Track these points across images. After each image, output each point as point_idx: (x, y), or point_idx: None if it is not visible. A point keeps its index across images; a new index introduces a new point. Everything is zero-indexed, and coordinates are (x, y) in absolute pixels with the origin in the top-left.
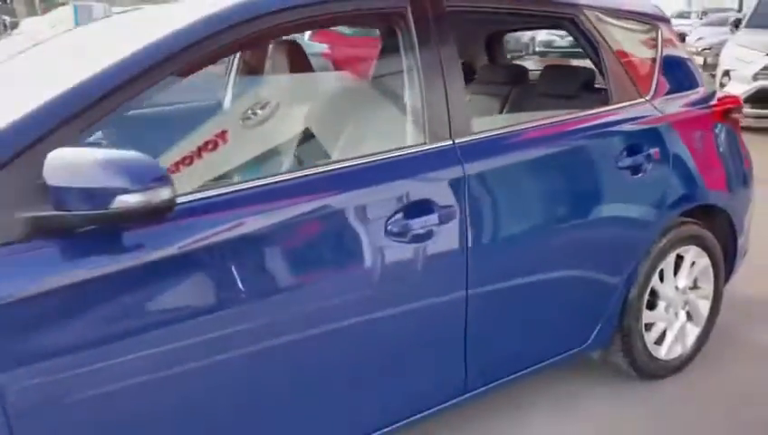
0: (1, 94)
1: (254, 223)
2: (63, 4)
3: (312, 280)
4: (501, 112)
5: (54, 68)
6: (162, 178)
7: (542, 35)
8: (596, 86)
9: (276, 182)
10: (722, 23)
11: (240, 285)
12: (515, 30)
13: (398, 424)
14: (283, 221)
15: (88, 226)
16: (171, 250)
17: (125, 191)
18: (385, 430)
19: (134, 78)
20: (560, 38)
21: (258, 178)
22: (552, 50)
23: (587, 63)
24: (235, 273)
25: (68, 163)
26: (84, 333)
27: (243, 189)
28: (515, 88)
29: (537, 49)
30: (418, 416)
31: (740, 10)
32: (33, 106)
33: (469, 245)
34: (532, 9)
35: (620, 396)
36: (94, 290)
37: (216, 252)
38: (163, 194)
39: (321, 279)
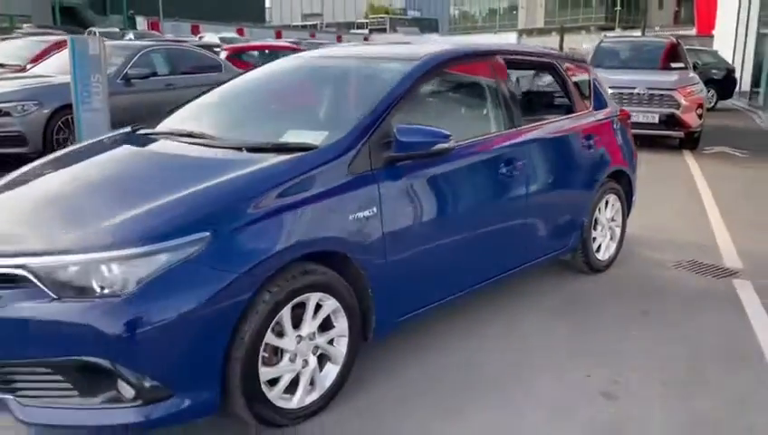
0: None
1: (474, 157)
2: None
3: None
4: None
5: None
6: (448, 137)
7: None
8: (556, 103)
9: (486, 140)
10: None
11: (467, 187)
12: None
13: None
14: (483, 157)
15: (413, 159)
16: (450, 167)
17: (435, 143)
18: (507, 273)
19: (398, 97)
20: None
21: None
22: None
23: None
24: (465, 179)
25: (406, 130)
26: (412, 213)
27: (469, 143)
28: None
29: None
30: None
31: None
32: (376, 104)
33: (528, 184)
34: (535, 60)
35: (573, 281)
36: (417, 189)
37: (461, 169)
38: (450, 143)
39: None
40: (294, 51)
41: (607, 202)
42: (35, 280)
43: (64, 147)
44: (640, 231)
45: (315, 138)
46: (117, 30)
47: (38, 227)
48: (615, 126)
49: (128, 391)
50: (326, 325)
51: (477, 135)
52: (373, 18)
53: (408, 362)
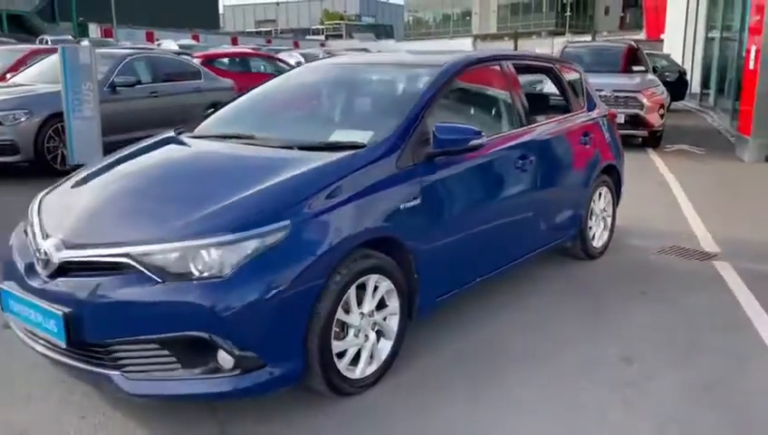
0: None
1: (495, 152)
2: None
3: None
4: None
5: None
6: (480, 134)
7: None
8: (556, 103)
9: (503, 136)
10: None
11: (491, 179)
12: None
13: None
14: (507, 150)
15: (449, 155)
16: (481, 160)
17: (470, 139)
18: (527, 256)
19: (430, 100)
20: None
21: (498, 134)
22: None
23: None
24: (489, 172)
25: (444, 128)
26: (447, 203)
27: (495, 138)
28: None
29: None
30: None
31: None
32: (413, 107)
33: (539, 177)
34: (537, 64)
35: (573, 267)
36: (451, 181)
37: (486, 163)
38: (482, 140)
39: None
40: (266, 58)
41: (600, 194)
42: (140, 267)
43: (56, 155)
44: (623, 222)
45: (362, 137)
46: (70, 37)
47: (135, 219)
48: (605, 125)
49: (227, 362)
50: (380, 305)
51: (496, 133)
52: (329, 24)
53: (441, 340)
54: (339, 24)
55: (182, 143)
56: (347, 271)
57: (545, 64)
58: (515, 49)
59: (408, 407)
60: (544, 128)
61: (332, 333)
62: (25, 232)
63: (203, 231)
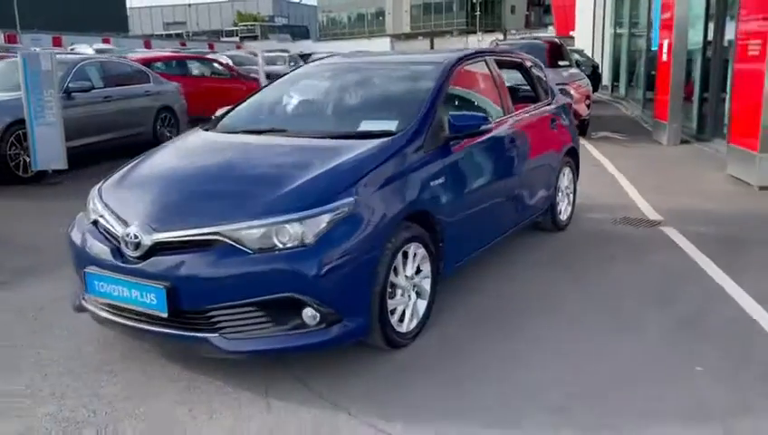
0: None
1: (495, 135)
2: None
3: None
4: None
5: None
6: (488, 120)
7: None
8: (528, 94)
9: (496, 122)
10: None
11: (492, 159)
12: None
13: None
14: (501, 134)
15: (463, 138)
16: (482, 144)
17: (481, 125)
18: (514, 228)
19: (439, 90)
20: None
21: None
22: None
23: None
24: (490, 153)
25: (459, 116)
26: (462, 180)
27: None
28: None
29: None
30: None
31: None
32: (428, 97)
33: (524, 157)
34: (511, 59)
35: (546, 238)
36: (462, 162)
37: (487, 146)
38: (491, 125)
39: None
40: (203, 61)
41: (564, 173)
42: (232, 242)
43: (18, 163)
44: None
45: (389, 126)
46: None
47: (217, 202)
48: (565, 112)
49: (312, 319)
50: (417, 270)
51: (492, 118)
52: (243, 26)
53: (455, 301)
54: (253, 25)
55: (220, 137)
56: (395, 239)
57: (516, 60)
58: (431, 48)
59: (443, 352)
60: (525, 115)
61: (387, 292)
62: (94, 223)
63: (286, 209)
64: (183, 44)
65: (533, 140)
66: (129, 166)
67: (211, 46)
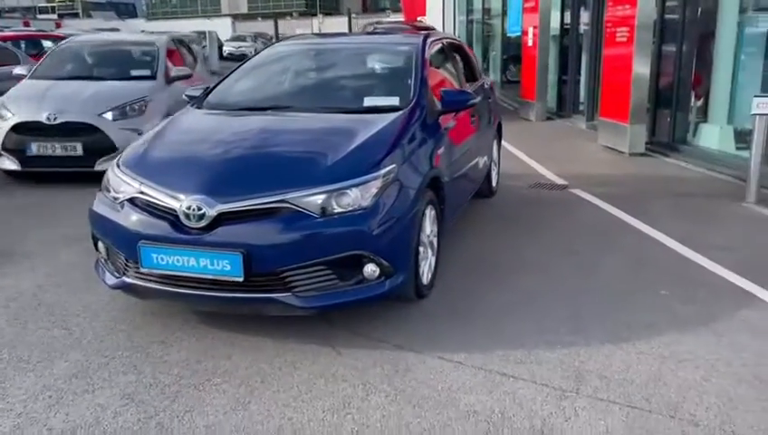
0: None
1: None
2: None
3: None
4: None
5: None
6: (474, 96)
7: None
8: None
9: None
10: None
11: (463, 131)
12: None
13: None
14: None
15: (453, 111)
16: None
17: (469, 100)
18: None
19: (423, 68)
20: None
21: None
22: None
23: None
24: (463, 126)
25: (450, 92)
26: (451, 148)
27: None
28: None
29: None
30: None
31: None
32: (417, 75)
33: (481, 129)
34: (453, 42)
35: (486, 204)
36: (450, 130)
37: (461, 119)
38: (478, 100)
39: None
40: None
41: (494, 144)
42: (298, 208)
43: None
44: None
45: (392, 101)
46: None
47: (276, 172)
48: (492, 90)
49: (373, 273)
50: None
51: None
52: (60, 2)
53: (448, 258)
54: (72, 0)
55: (230, 115)
56: (423, 201)
57: (457, 42)
58: (276, 29)
59: (455, 298)
60: (476, 91)
61: (419, 249)
62: (131, 201)
63: (344, 176)
64: (26, 24)
65: (482, 114)
66: (149, 141)
67: (26, 23)
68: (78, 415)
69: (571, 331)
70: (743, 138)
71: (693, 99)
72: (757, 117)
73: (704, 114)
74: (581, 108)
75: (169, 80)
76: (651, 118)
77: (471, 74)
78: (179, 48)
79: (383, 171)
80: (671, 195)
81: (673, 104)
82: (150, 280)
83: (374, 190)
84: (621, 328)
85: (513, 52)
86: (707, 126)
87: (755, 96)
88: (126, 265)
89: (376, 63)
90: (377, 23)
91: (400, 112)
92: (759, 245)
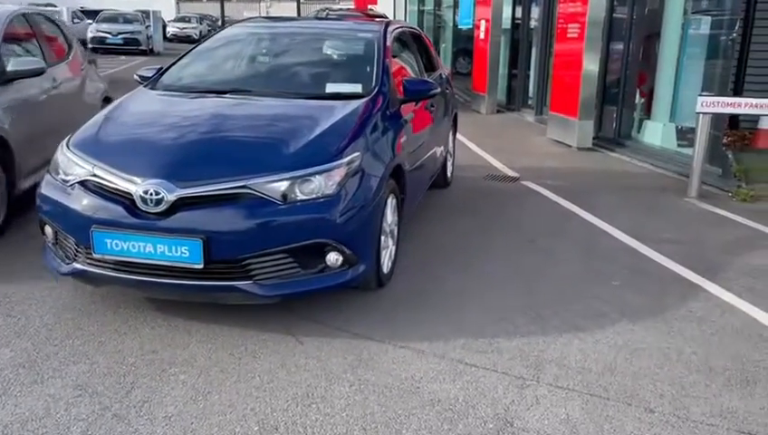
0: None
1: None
2: None
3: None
4: None
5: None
6: (436, 85)
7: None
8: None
9: None
10: None
11: (426, 113)
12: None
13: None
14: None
15: (415, 101)
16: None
17: (431, 89)
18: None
19: (384, 56)
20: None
21: None
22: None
23: None
24: (423, 114)
25: (413, 81)
26: (412, 137)
27: None
28: None
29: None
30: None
31: None
32: (379, 62)
33: (435, 118)
34: (415, 32)
35: (442, 194)
36: (410, 119)
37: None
38: (438, 90)
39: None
40: None
41: (450, 135)
42: (261, 194)
43: None
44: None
45: (354, 88)
46: None
47: (235, 157)
48: (449, 81)
49: (336, 262)
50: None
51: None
52: None
53: (407, 247)
54: None
55: (187, 97)
56: (386, 190)
57: (417, 32)
58: (222, 12)
59: (416, 284)
60: (435, 81)
61: (381, 238)
62: (83, 183)
63: (308, 163)
64: None
65: (439, 104)
66: (100, 123)
67: None
68: (27, 407)
69: (530, 320)
70: (684, 135)
71: (638, 96)
72: (701, 115)
73: (648, 112)
74: (530, 102)
75: (5, 78)
76: (598, 114)
77: (429, 64)
78: (35, 28)
79: (347, 159)
80: (618, 189)
81: (619, 101)
82: (104, 266)
83: (338, 178)
84: (577, 318)
85: (464, 44)
86: (651, 123)
87: (700, 95)
88: (77, 250)
89: (337, 50)
90: (328, 9)
91: (363, 100)
92: (702, 238)
